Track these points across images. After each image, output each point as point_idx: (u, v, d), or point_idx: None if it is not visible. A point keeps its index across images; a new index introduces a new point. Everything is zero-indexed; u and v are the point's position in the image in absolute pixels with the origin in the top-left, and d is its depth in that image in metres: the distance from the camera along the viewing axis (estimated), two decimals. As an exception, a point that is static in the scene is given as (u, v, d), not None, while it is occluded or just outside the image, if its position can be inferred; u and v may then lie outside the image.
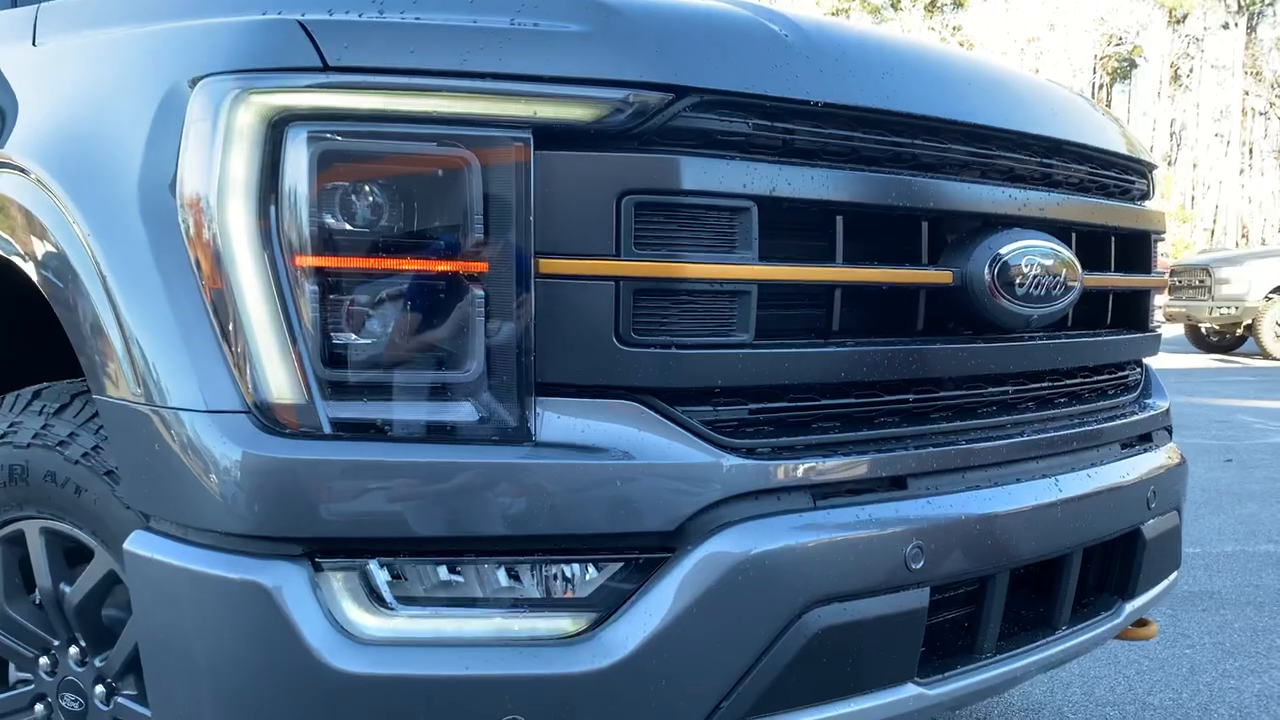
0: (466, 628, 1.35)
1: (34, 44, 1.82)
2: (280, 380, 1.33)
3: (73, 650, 1.77)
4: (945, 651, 1.68)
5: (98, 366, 1.46)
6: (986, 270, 1.64)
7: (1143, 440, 2.08)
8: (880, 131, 1.56)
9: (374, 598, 1.34)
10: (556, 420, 1.37)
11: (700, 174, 1.39)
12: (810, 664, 1.44)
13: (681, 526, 1.38)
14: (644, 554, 1.38)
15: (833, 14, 36.67)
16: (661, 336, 1.39)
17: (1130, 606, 1.97)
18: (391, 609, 1.34)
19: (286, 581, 1.30)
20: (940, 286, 1.64)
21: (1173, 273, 15.52)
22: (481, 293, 1.34)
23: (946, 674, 1.63)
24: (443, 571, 1.36)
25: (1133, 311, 2.12)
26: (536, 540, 1.36)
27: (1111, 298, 2.06)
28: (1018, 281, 1.68)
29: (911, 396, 1.62)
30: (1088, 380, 1.99)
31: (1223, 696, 3.17)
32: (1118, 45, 43.35)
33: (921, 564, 1.51)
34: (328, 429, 1.33)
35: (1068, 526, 1.76)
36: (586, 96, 1.36)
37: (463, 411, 1.35)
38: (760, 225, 1.44)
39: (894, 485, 1.56)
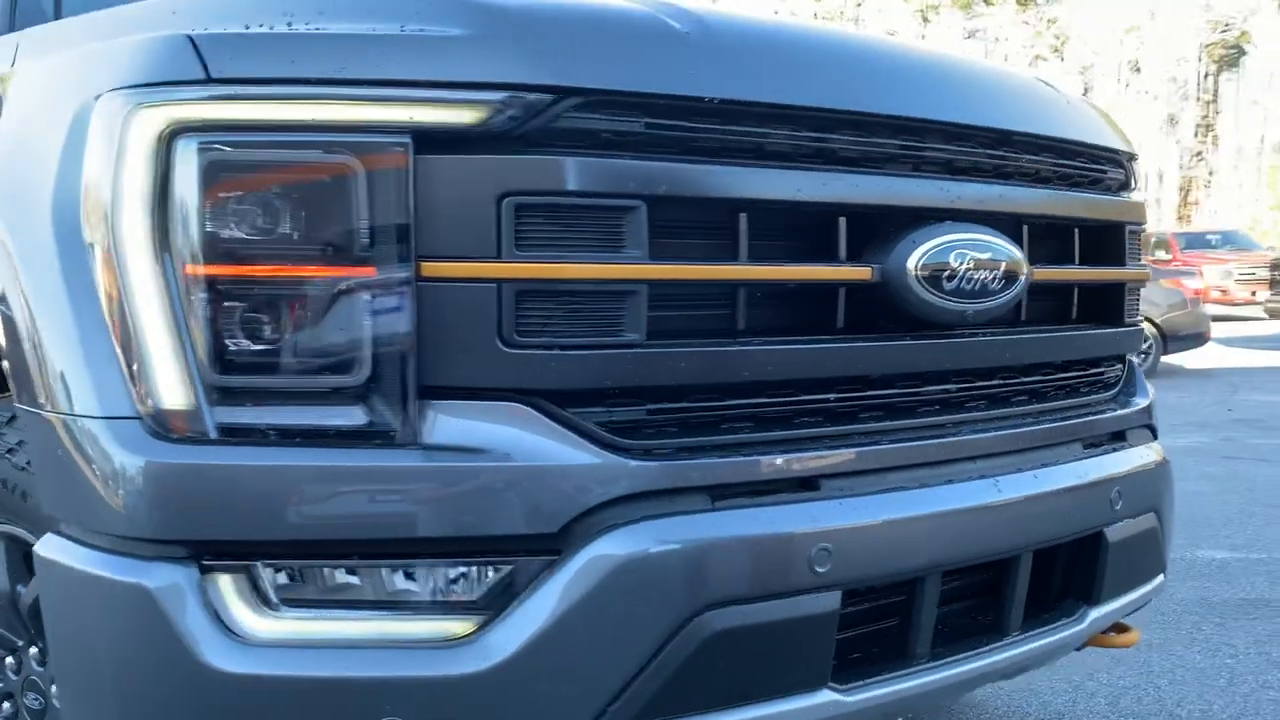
0: (350, 630, 1.36)
1: (11, 67, 1.90)
2: (169, 387, 1.36)
3: (33, 650, 1.83)
4: (876, 657, 1.64)
5: (16, 373, 1.52)
6: (909, 266, 1.60)
7: (1116, 439, 2.00)
8: (788, 127, 1.53)
9: (259, 599, 1.36)
10: (441, 423, 1.38)
11: (583, 174, 1.38)
12: (705, 668, 1.42)
13: (567, 528, 1.37)
14: (531, 556, 1.38)
15: (920, 11, 35.89)
16: (545, 338, 1.38)
17: (1096, 613, 1.89)
18: (276, 610, 1.36)
19: (171, 583, 1.33)
20: (860, 283, 1.60)
21: (1275, 266, 14.88)
22: (363, 297, 1.36)
23: (869, 680, 1.58)
24: (327, 574, 1.38)
25: (1105, 306, 2.04)
26: (421, 543, 1.37)
27: (1078, 292, 1.99)
28: (946, 276, 1.63)
29: (832, 396, 1.58)
30: (1050, 377, 1.92)
31: (1258, 708, 3.03)
32: (1224, 31, 41.78)
33: (829, 567, 1.48)
34: (214, 434, 1.35)
35: (1009, 529, 1.70)
36: (465, 100, 1.37)
37: (348, 415, 1.37)
38: (653, 224, 1.42)
39: (804, 486, 1.52)
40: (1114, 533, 1.87)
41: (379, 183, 1.35)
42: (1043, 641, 1.82)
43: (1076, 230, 1.96)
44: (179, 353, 1.36)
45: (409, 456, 1.36)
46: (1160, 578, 2.10)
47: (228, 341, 1.36)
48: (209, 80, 1.36)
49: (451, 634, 1.37)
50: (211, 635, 1.33)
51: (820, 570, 1.47)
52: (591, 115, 1.41)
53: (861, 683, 1.58)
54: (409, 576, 1.38)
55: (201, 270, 1.35)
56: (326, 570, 1.37)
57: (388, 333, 1.36)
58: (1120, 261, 2.05)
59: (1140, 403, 2.08)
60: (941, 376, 1.72)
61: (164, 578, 1.33)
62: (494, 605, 1.38)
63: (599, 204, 1.39)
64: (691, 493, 1.44)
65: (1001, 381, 1.82)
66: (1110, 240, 2.04)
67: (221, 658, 1.32)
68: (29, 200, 1.54)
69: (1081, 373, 2.00)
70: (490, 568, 1.39)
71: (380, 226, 1.35)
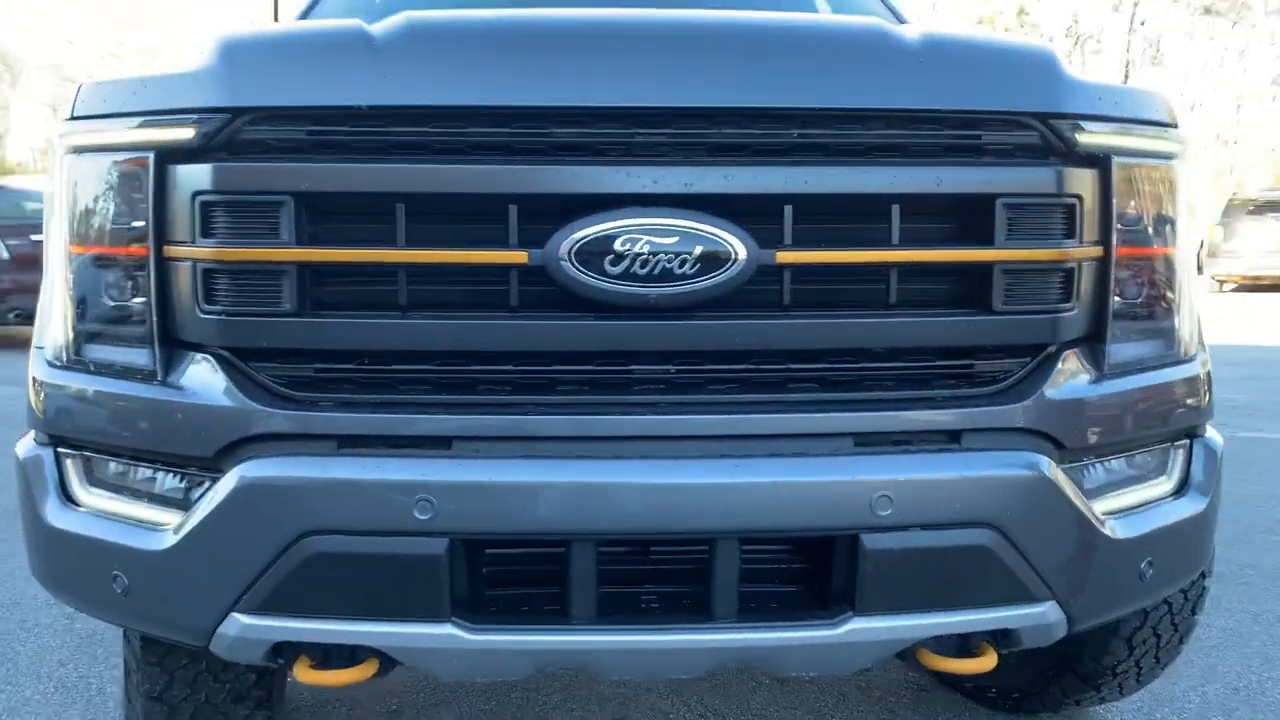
0: (111, 508, 1.91)
1: None
2: (58, 329, 2.00)
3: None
4: (530, 608, 1.78)
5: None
6: (562, 250, 1.69)
7: (950, 440, 1.79)
8: (441, 125, 1.72)
9: (86, 478, 1.96)
10: (170, 367, 1.85)
11: (240, 176, 1.75)
12: (313, 582, 1.73)
13: (221, 454, 1.77)
14: (204, 471, 1.81)
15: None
16: (220, 306, 1.78)
17: (862, 624, 1.75)
18: (86, 487, 1.95)
19: (36, 460, 1.99)
20: (520, 267, 1.72)
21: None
22: (131, 271, 1.87)
23: (502, 625, 1.74)
24: (110, 466, 1.93)
25: (952, 291, 1.81)
26: (153, 452, 1.86)
27: (896, 275, 1.79)
28: (610, 261, 1.68)
29: (482, 367, 1.74)
30: (838, 365, 1.79)
31: None
32: None
33: (430, 516, 1.68)
34: (67, 364, 1.97)
35: (679, 513, 1.69)
36: (177, 122, 1.80)
37: (125, 356, 1.90)
38: (311, 214, 1.74)
39: (431, 444, 1.72)
40: (877, 540, 1.72)
41: (138, 187, 1.85)
42: (771, 635, 1.76)
43: (896, 207, 1.78)
44: (64, 308, 1.99)
45: (150, 390, 1.86)
46: (1039, 607, 1.82)
47: (75, 299, 1.96)
48: (73, 117, 1.96)
49: (166, 521, 1.85)
50: (52, 499, 1.96)
51: (421, 517, 1.68)
52: (262, 127, 1.75)
53: (492, 625, 1.74)
54: (148, 475, 1.89)
55: (72, 249, 1.97)
56: (107, 463, 1.93)
57: (144, 297, 1.86)
58: (987, 240, 1.80)
59: (1009, 405, 1.80)
60: (642, 357, 1.76)
61: (34, 455, 1.99)
62: (189, 504, 1.83)
63: (252, 199, 1.74)
64: (321, 439, 1.74)
65: (739, 367, 1.77)
66: (970, 217, 1.80)
67: (52, 516, 1.95)
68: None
69: (920, 363, 1.81)
70: (190, 476, 1.84)
71: (140, 220, 1.85)
